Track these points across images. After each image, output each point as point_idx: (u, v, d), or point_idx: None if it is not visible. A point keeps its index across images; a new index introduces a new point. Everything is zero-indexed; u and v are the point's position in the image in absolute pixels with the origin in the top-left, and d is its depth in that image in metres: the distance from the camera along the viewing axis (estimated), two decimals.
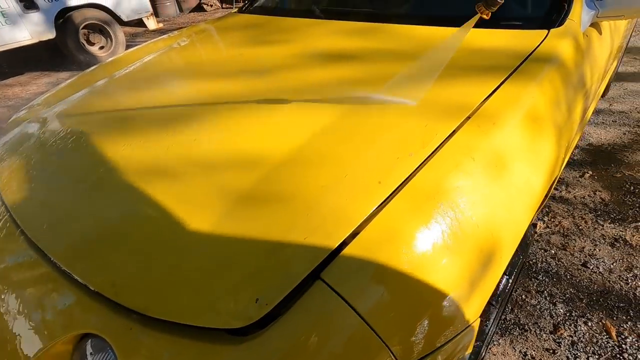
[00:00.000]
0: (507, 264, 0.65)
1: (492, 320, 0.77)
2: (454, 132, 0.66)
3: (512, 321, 1.30)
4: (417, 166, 0.60)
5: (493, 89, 0.75)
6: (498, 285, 0.76)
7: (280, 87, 0.89)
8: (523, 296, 1.38)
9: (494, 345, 1.24)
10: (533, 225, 1.68)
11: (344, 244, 0.53)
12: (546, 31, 0.95)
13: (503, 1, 0.80)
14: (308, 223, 0.55)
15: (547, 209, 1.76)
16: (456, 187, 0.59)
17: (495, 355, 1.21)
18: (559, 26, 0.97)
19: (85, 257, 0.59)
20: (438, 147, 0.63)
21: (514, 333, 1.27)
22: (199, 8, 8.02)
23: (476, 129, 0.67)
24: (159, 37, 1.58)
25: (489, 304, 0.76)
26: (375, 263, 0.52)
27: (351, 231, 0.53)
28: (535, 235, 1.63)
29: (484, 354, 1.13)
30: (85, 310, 0.57)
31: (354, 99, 0.79)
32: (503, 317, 1.32)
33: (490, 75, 0.79)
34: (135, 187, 0.67)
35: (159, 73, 1.12)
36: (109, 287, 0.55)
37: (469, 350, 0.65)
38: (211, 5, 7.98)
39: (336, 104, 0.78)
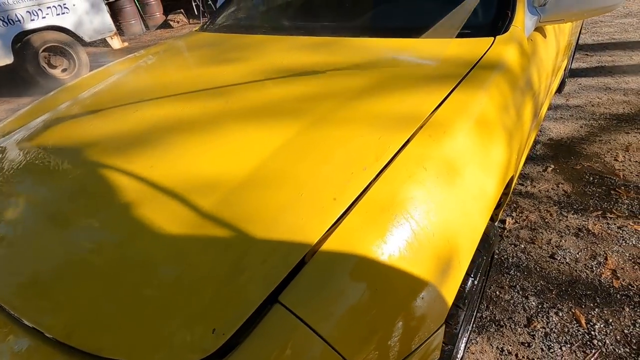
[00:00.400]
0: (466, 267, 0.67)
1: (461, 323, 0.79)
2: (406, 143, 0.68)
3: (488, 318, 1.33)
4: (371, 180, 0.61)
5: (443, 98, 0.78)
6: (463, 288, 0.78)
7: (238, 107, 0.89)
8: (497, 292, 1.42)
9: (472, 344, 1.26)
10: (502, 221, 1.73)
11: (301, 264, 0.53)
12: (492, 38, 0.99)
13: None
14: (264, 246, 0.54)
15: (514, 205, 1.83)
16: (410, 198, 0.60)
17: (473, 353, 1.23)
18: (504, 33, 1.02)
19: (34, 300, 0.57)
20: (391, 159, 0.65)
21: (491, 330, 1.29)
22: (166, 25, 7.93)
23: (428, 139, 0.69)
24: (117, 60, 1.55)
25: (456, 307, 0.77)
26: (334, 281, 0.52)
27: (307, 251, 0.53)
28: (505, 231, 1.68)
29: (461, 354, 1.15)
30: (41, 355, 0.54)
31: (312, 115, 0.80)
32: (479, 314, 1.35)
33: (440, 84, 0.82)
34: (87, 220, 0.65)
35: (114, 98, 1.09)
36: (61, 330, 0.53)
37: (437, 357, 0.66)
38: (178, 22, 7.91)
39: (293, 120, 0.79)
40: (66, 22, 4.54)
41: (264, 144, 0.73)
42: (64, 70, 4.70)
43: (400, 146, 0.67)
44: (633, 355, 1.15)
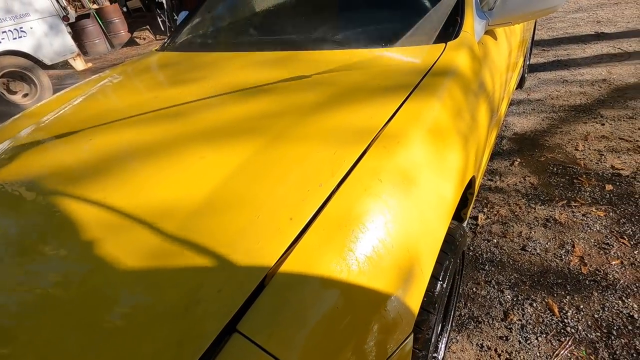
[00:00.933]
0: (429, 274, 0.68)
1: (432, 327, 0.79)
2: (361, 156, 0.68)
3: (467, 315, 1.35)
4: (327, 196, 0.61)
5: (396, 108, 0.79)
6: (432, 292, 0.78)
7: (195, 128, 0.88)
8: (474, 289, 1.45)
9: (453, 342, 1.28)
10: (474, 218, 1.77)
11: (259, 290, 0.52)
12: (444, 45, 1.02)
13: None
14: (221, 274, 0.53)
15: (485, 201, 1.88)
16: (366, 211, 0.60)
17: (454, 352, 1.25)
18: (454, 39, 1.05)
19: None
20: (347, 173, 0.65)
21: (470, 327, 1.31)
22: (132, 42, 7.79)
23: (382, 150, 0.69)
24: (74, 85, 1.50)
25: (427, 312, 0.78)
26: (293, 304, 0.51)
27: (265, 275, 0.53)
28: (478, 227, 1.72)
29: (442, 355, 1.16)
30: None
31: (268, 133, 0.80)
32: (458, 313, 1.37)
33: (394, 94, 0.83)
34: (37, 259, 0.62)
35: (69, 125, 1.06)
36: None
37: None
38: (144, 39, 7.78)
39: (250, 140, 0.78)
40: (24, 45, 4.39)
41: (220, 166, 0.72)
42: (25, 95, 4.53)
43: (355, 160, 0.67)
44: (604, 339, 1.19)
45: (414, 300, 0.65)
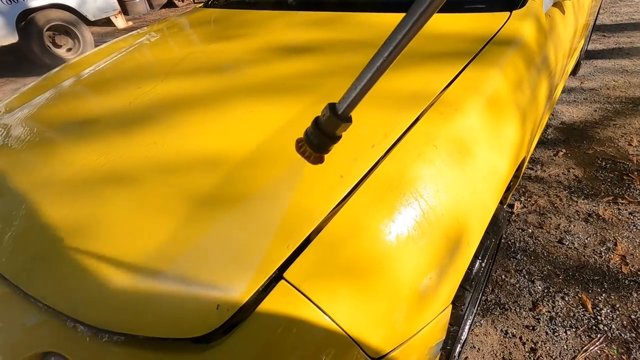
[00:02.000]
0: (475, 248, 0.66)
1: (467, 304, 0.78)
2: (416, 120, 0.65)
3: (493, 301, 1.33)
4: (379, 158, 0.59)
5: (455, 75, 0.75)
6: (471, 270, 0.77)
7: (242, 84, 0.87)
8: (503, 276, 1.41)
9: (476, 326, 1.26)
10: (510, 205, 1.71)
11: (307, 242, 0.52)
12: (508, 13, 0.95)
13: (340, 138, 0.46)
14: (269, 223, 0.53)
15: (523, 189, 1.80)
16: (419, 177, 0.58)
17: (477, 335, 1.24)
18: (520, 7, 0.97)
19: (39, 274, 0.57)
20: (400, 137, 0.63)
21: (495, 313, 1.29)
22: (170, 4, 7.79)
23: (438, 117, 0.66)
24: (119, 38, 1.52)
25: (463, 288, 0.76)
26: (340, 259, 0.51)
27: (314, 228, 0.52)
28: (513, 215, 1.66)
29: (465, 336, 1.16)
30: (44, 328, 0.55)
31: (318, 92, 0.78)
32: (484, 298, 1.34)
33: (452, 61, 0.79)
34: (92, 195, 0.65)
35: (118, 75, 1.07)
36: (65, 303, 0.53)
37: (442, 338, 0.65)
38: (182, 0, 7.77)
39: (299, 97, 0.77)
40: (70, 0, 4.47)
41: (270, 120, 0.71)
42: (69, 49, 4.67)
43: (409, 124, 0.64)
44: (639, 340, 1.15)
45: (457, 273, 0.63)
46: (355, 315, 0.50)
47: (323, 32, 1.06)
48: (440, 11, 1.00)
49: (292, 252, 0.50)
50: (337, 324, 0.49)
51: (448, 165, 0.62)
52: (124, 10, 7.09)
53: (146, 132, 0.77)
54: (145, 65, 1.10)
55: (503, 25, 0.90)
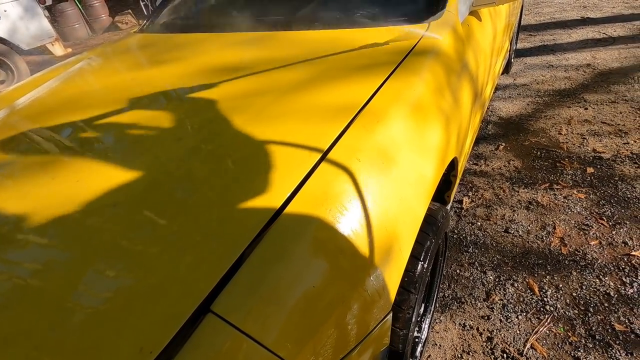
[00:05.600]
0: (409, 253, 0.68)
1: (414, 307, 0.80)
2: (340, 135, 0.67)
3: (450, 296, 1.38)
4: (304, 176, 0.60)
5: (377, 87, 0.78)
6: (413, 273, 0.79)
7: (171, 110, 0.85)
8: (457, 271, 1.47)
9: (437, 323, 1.30)
10: (459, 202, 1.79)
11: (234, 269, 0.51)
12: (426, 24, 1.01)
13: None
14: (193, 254, 0.52)
15: (470, 185, 1.89)
16: (343, 191, 0.60)
17: (438, 332, 1.27)
18: (437, 18, 1.03)
19: None
20: (325, 153, 0.64)
21: (453, 307, 1.34)
22: (113, 27, 7.53)
23: (361, 129, 0.68)
24: (48, 68, 1.44)
25: (408, 291, 0.78)
26: (269, 282, 0.51)
27: (240, 253, 0.52)
28: (462, 211, 1.74)
29: (425, 335, 1.18)
30: None
31: (248, 112, 0.78)
32: (441, 294, 1.39)
33: (375, 73, 0.82)
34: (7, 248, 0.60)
35: (40, 110, 1.02)
36: None
37: (386, 344, 0.66)
38: (126, 23, 7.53)
39: (229, 119, 0.76)
40: None
41: (197, 147, 0.70)
42: (2, 82, 4.36)
43: (333, 139, 0.66)
44: (581, 316, 1.23)
45: (393, 279, 0.65)
46: (290, 339, 0.50)
47: (256, 52, 1.07)
48: (362, 26, 1.05)
49: (218, 281, 0.49)
50: (271, 351, 0.48)
51: (373, 177, 0.64)
52: (63, 36, 6.76)
53: (65, 173, 0.73)
54: (72, 96, 1.05)
55: (422, 37, 0.96)
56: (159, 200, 0.61)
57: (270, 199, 0.57)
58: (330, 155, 0.64)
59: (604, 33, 3.43)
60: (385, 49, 0.92)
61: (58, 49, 4.81)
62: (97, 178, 0.69)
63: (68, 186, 0.68)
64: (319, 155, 0.63)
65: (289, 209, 0.57)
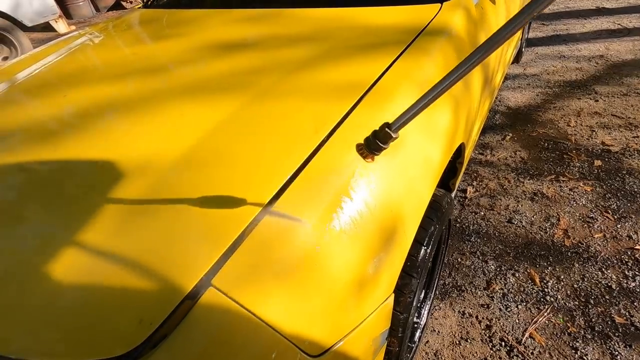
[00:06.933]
0: (413, 237, 0.67)
1: (415, 291, 0.80)
2: (348, 113, 0.65)
3: (451, 284, 1.38)
4: (309, 153, 0.59)
5: (387, 66, 0.76)
6: (416, 257, 0.78)
7: (178, 84, 0.83)
8: (459, 259, 1.46)
9: (436, 310, 1.30)
10: (463, 191, 1.78)
11: (236, 245, 0.50)
12: (439, 5, 0.97)
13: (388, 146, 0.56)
14: (196, 228, 0.51)
15: (475, 174, 1.87)
16: (350, 170, 0.58)
17: (437, 319, 1.27)
18: None
19: None
20: (332, 130, 0.62)
21: (453, 295, 1.34)
22: (118, 5, 7.42)
23: (370, 108, 0.67)
24: (52, 42, 1.42)
25: (409, 276, 0.78)
26: (271, 260, 0.50)
27: (242, 230, 0.51)
28: (466, 200, 1.73)
29: (424, 321, 1.19)
30: None
31: (254, 89, 0.76)
32: (442, 282, 1.39)
33: (385, 52, 0.80)
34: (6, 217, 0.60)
35: (47, 82, 1.00)
36: None
37: (387, 327, 0.66)
38: (131, 2, 7.41)
39: (235, 96, 0.75)
40: (2, 5, 4.13)
41: (201, 122, 0.69)
42: (5, 58, 4.32)
43: (341, 117, 0.65)
44: (581, 307, 1.23)
45: (396, 262, 0.64)
46: (291, 315, 0.50)
47: (260, 29, 1.04)
48: (374, 4, 1.01)
49: (219, 256, 0.49)
50: (271, 327, 0.48)
51: (380, 156, 0.62)
52: (67, 14, 6.67)
53: (72, 139, 0.72)
54: (74, 70, 1.03)
55: (434, 17, 0.93)
56: (167, 176, 0.60)
57: (275, 177, 0.56)
58: (337, 133, 0.62)
59: (618, 24, 3.34)
60: (396, 29, 0.89)
61: (62, 26, 4.75)
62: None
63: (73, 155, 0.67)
64: (325, 134, 0.61)
65: (294, 185, 0.56)
